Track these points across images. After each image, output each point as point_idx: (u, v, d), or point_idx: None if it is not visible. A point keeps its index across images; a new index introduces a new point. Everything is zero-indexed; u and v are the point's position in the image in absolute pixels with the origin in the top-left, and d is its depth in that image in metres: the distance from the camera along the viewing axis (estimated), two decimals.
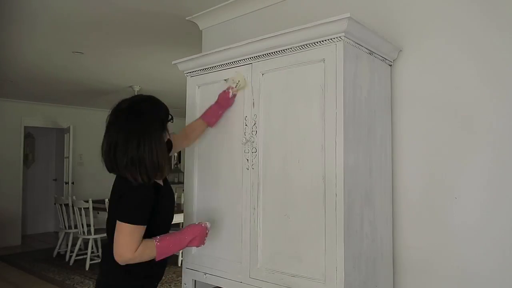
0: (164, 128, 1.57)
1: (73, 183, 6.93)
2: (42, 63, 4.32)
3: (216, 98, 1.85)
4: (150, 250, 1.47)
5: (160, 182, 1.62)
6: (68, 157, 6.94)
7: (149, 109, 1.53)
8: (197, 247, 1.67)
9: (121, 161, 1.45)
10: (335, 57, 1.50)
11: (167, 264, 1.69)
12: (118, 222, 1.43)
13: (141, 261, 1.48)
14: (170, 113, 1.62)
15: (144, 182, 1.46)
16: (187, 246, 1.60)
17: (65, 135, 7.12)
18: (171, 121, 1.62)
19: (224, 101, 1.81)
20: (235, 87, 1.79)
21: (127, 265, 1.47)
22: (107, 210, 1.60)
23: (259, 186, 1.71)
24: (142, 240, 1.46)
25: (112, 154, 1.47)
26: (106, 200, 4.87)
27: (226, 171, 1.86)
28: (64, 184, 7.09)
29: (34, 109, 7.03)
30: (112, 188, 1.56)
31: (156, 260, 1.51)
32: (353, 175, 1.53)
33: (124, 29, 3.19)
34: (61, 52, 3.89)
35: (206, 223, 1.65)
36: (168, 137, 1.63)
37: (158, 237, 1.51)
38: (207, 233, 1.65)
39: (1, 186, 6.55)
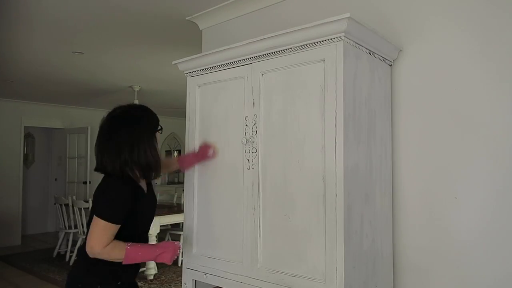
0: (153, 135, 1.68)
1: (84, 182, 6.94)
2: (42, 63, 4.32)
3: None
4: (119, 250, 1.54)
5: (144, 187, 1.71)
6: (85, 157, 6.99)
7: (141, 117, 1.67)
8: (168, 263, 1.68)
9: (112, 164, 1.58)
10: (335, 57, 1.50)
11: (137, 273, 1.77)
12: (95, 216, 1.54)
13: (108, 259, 1.55)
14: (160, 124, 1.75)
15: (132, 180, 1.61)
16: (156, 259, 1.64)
17: (78, 135, 7.16)
18: (160, 131, 1.74)
19: (203, 155, 1.91)
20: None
21: (94, 259, 1.55)
22: (91, 206, 1.71)
23: (259, 186, 1.71)
24: (114, 240, 1.54)
25: (102, 157, 1.61)
26: None
27: (226, 171, 1.86)
28: (67, 183, 7.09)
29: (34, 109, 7.03)
30: (98, 185, 1.64)
31: (123, 263, 1.56)
32: (353, 175, 1.53)
33: (124, 29, 3.19)
34: (61, 52, 3.89)
35: (178, 242, 1.71)
36: (156, 146, 1.71)
37: (131, 242, 1.58)
38: (178, 252, 1.69)
39: (1, 186, 6.55)
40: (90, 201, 5.28)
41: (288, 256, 1.60)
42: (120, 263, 1.57)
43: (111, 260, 1.55)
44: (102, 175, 1.65)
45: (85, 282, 1.61)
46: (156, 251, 1.63)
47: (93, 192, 1.70)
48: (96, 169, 1.65)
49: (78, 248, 1.77)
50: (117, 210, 1.54)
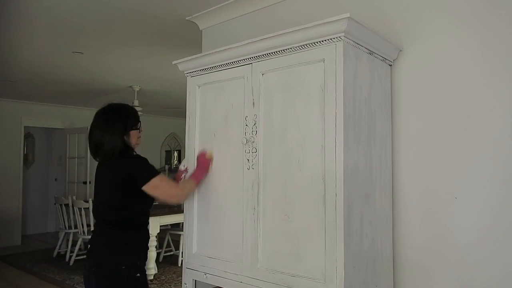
0: (125, 131, 1.87)
1: (84, 182, 6.93)
2: (42, 63, 4.32)
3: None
4: (188, 182, 1.90)
5: None
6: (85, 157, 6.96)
7: (116, 114, 1.92)
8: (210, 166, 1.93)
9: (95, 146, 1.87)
10: (335, 57, 1.50)
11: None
12: (148, 184, 1.77)
13: (189, 194, 1.92)
14: (139, 122, 1.96)
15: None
16: (207, 170, 1.93)
17: (78, 135, 7.13)
18: (138, 130, 1.93)
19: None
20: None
21: (124, 243, 1.81)
22: (101, 193, 1.89)
23: (259, 186, 1.71)
24: (174, 182, 1.93)
25: (93, 144, 1.88)
26: None
27: (227, 171, 1.86)
28: (67, 183, 7.07)
29: (34, 109, 7.03)
30: (102, 175, 1.87)
31: (197, 184, 1.91)
32: (353, 175, 1.53)
33: (124, 29, 3.19)
34: (61, 52, 3.89)
35: (203, 151, 1.96)
36: (134, 140, 1.91)
37: (185, 178, 1.96)
38: (210, 160, 1.93)
39: (1, 186, 6.54)
40: (90, 201, 5.30)
41: (288, 256, 1.60)
42: (140, 245, 1.89)
43: (189, 194, 1.92)
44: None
45: (126, 263, 1.80)
46: (199, 169, 1.92)
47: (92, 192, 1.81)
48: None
49: (104, 237, 1.86)
50: (151, 166, 1.84)
